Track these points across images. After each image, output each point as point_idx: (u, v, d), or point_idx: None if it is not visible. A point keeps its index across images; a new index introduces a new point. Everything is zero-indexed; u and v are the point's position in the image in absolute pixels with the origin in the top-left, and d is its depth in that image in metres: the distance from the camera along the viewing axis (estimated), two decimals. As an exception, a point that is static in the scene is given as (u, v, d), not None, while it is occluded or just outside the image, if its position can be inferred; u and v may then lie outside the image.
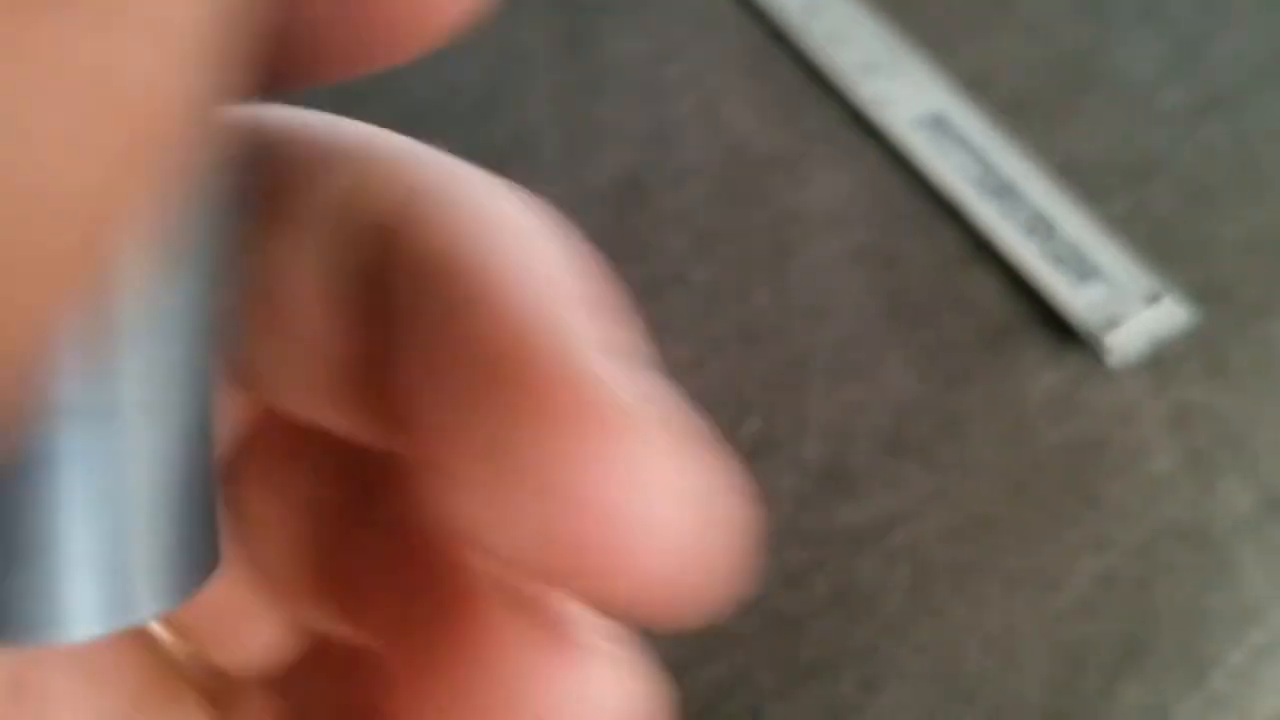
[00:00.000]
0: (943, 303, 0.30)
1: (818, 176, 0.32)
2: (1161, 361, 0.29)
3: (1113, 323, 0.29)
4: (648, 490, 0.08)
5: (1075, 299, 0.29)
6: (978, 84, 0.33)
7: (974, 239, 0.31)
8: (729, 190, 0.33)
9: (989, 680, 0.27)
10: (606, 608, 0.09)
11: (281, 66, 0.09)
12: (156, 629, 0.12)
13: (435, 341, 0.09)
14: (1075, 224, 0.30)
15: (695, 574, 0.08)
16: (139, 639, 0.12)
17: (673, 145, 0.34)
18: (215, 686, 0.12)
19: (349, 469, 0.11)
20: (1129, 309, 0.29)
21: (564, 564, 0.08)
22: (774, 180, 0.33)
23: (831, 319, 0.30)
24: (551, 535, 0.08)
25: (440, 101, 0.35)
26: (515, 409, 0.08)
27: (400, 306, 0.09)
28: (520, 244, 0.10)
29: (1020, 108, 0.33)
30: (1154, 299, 0.29)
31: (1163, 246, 0.30)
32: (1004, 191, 0.31)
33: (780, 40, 0.35)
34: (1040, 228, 0.30)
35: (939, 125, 0.33)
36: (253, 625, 0.12)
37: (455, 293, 0.09)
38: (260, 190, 0.10)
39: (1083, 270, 0.30)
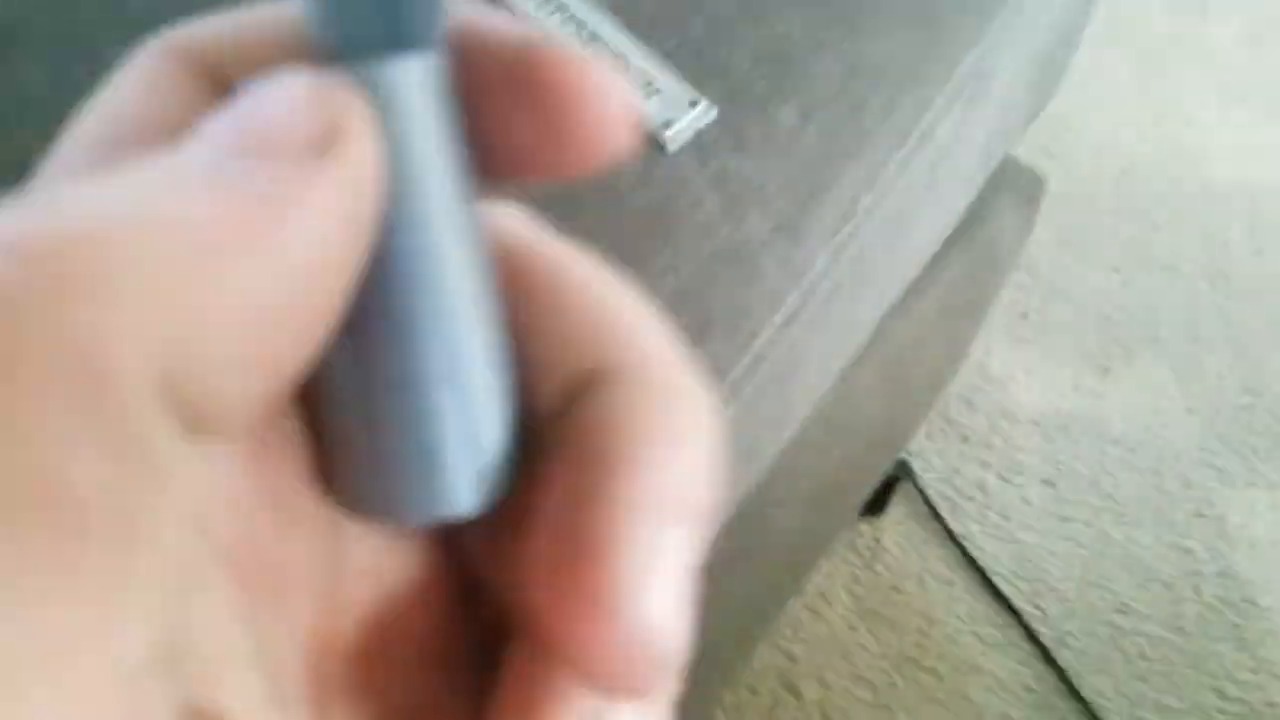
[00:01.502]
0: (558, 122, 0.44)
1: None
2: (702, 145, 0.44)
3: (668, 122, 0.43)
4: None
5: (644, 110, 0.43)
6: (565, -39, 0.46)
7: (574, 75, 0.44)
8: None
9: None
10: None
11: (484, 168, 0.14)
12: None
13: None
14: (639, 57, 0.44)
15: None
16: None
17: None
18: None
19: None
20: (678, 113, 0.43)
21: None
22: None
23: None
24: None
25: (156, 6, 0.45)
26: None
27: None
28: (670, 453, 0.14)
29: (597, -24, 0.46)
30: (694, 103, 0.43)
31: (698, 67, 0.44)
32: (593, 39, 0.44)
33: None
34: (619, 62, 0.44)
35: (558, 4, 0.45)
36: None
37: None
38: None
39: (648, 88, 0.43)
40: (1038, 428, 1.00)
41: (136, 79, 0.15)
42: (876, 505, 0.94)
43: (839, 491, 0.77)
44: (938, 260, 0.65)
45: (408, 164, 0.13)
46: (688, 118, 0.43)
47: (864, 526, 0.95)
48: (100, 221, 0.11)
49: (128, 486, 0.10)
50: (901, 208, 0.48)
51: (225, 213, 0.12)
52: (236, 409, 0.12)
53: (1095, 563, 0.95)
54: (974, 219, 0.68)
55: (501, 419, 0.14)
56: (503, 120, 0.14)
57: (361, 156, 0.13)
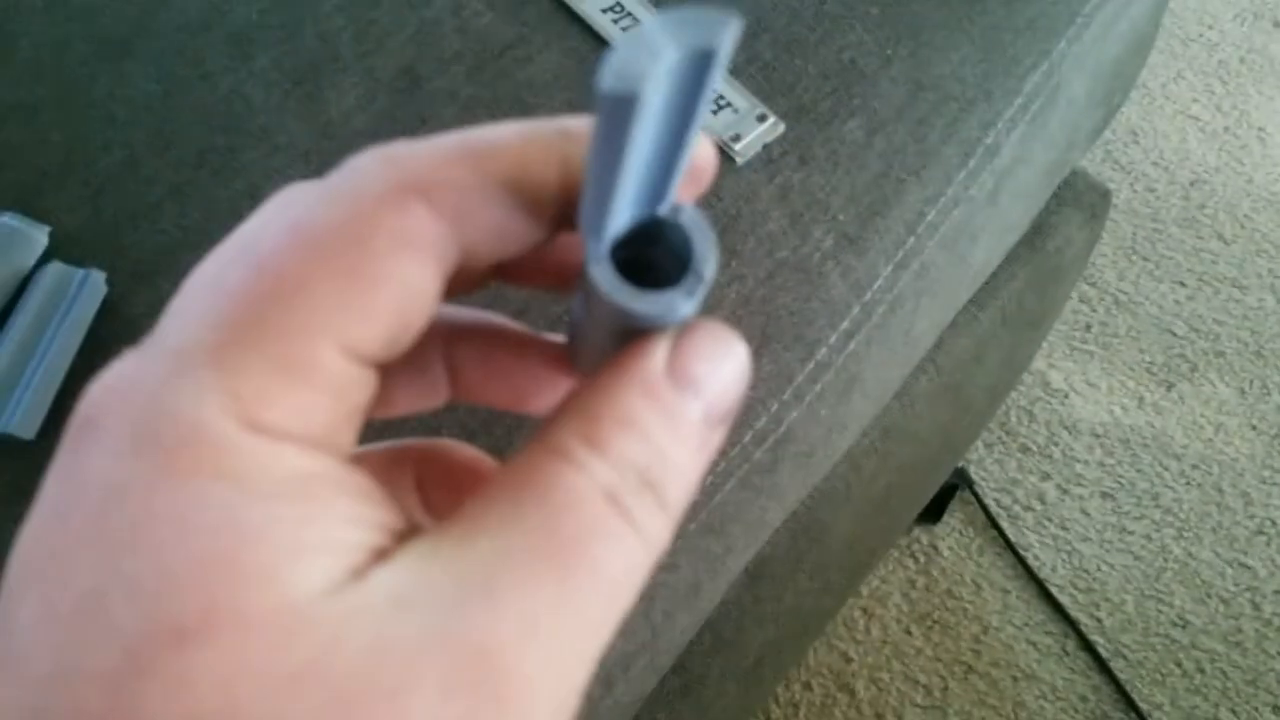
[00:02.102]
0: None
1: (538, 56, 0.46)
2: (770, 159, 0.45)
3: (737, 137, 0.44)
4: None
5: (713, 123, 0.45)
6: (642, -21, 0.48)
7: (648, 89, 0.46)
8: (479, 70, 0.47)
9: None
10: None
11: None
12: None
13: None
14: (711, 73, 0.46)
15: None
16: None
17: (435, 42, 0.47)
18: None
19: None
20: (747, 127, 0.45)
21: None
22: (509, 60, 0.47)
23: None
24: None
25: (259, 19, 0.47)
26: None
27: None
28: None
29: (672, -6, 0.47)
30: (762, 118, 0.45)
31: (766, 83, 0.46)
32: (665, 54, 0.46)
33: (502, -45, 0.48)
34: (690, 78, 0.46)
35: (619, 9, 0.47)
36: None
37: None
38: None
39: (718, 103, 0.45)
40: (1099, 440, 1.00)
41: (388, 231, 0.16)
42: (934, 512, 0.95)
43: (896, 498, 0.78)
44: (1001, 273, 0.66)
45: None
46: (756, 132, 0.44)
47: (921, 533, 0.96)
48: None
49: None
50: (964, 223, 0.49)
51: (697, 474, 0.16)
52: None
53: (1154, 576, 0.94)
54: (1039, 232, 0.69)
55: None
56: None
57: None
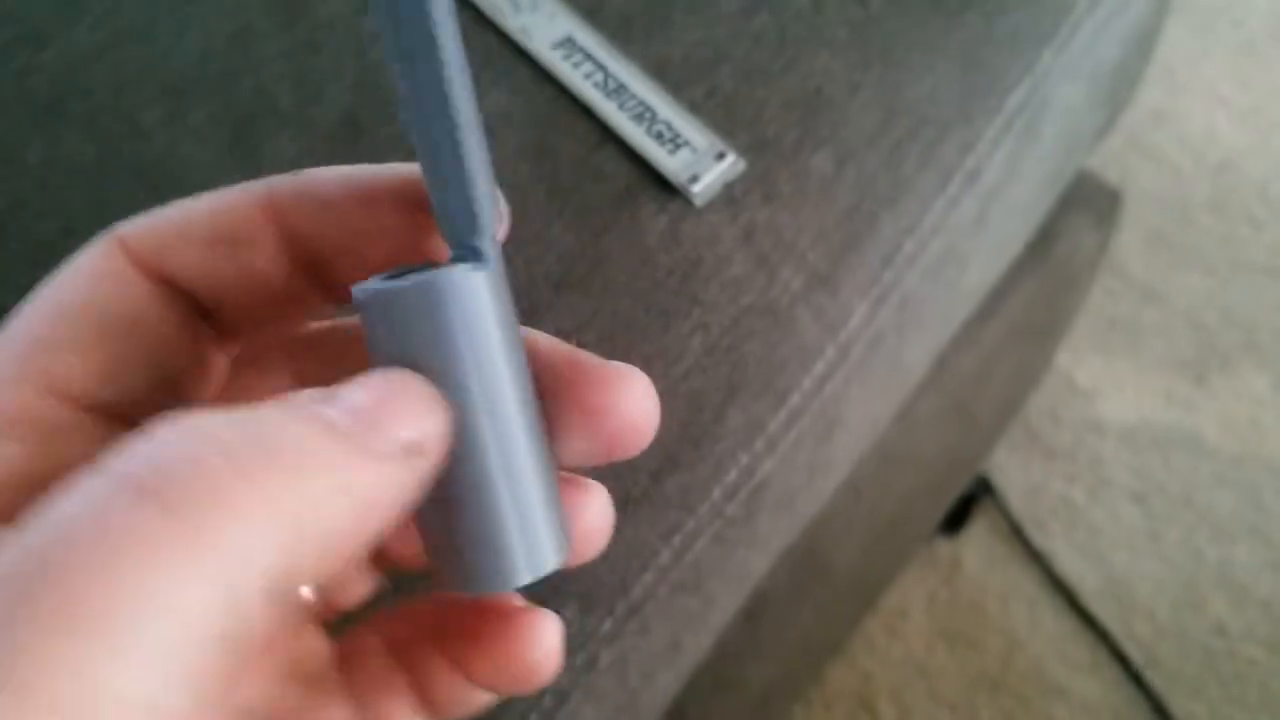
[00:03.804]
0: (585, 178, 0.43)
1: (486, 96, 0.44)
2: (732, 198, 0.42)
3: (695, 177, 0.42)
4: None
5: (670, 163, 0.42)
6: (593, 11, 0.45)
7: (601, 128, 0.43)
8: (426, 113, 0.44)
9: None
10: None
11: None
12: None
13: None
14: (666, 108, 0.43)
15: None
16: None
17: (379, 85, 0.45)
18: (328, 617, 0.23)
19: None
20: (705, 165, 0.42)
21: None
22: (458, 102, 0.44)
23: (509, 200, 0.42)
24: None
25: (193, 72, 0.45)
26: None
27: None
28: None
29: (625, 25, 0.45)
30: (721, 156, 0.42)
31: (727, 117, 0.43)
32: (619, 90, 0.44)
33: (448, -10, 0.46)
34: (645, 114, 0.43)
35: (570, 45, 0.44)
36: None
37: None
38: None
39: (675, 141, 0.43)
40: (1127, 441, 0.96)
41: (86, 271, 0.19)
42: (955, 523, 0.92)
43: (905, 522, 0.75)
44: (1005, 286, 0.63)
45: (481, 340, 0.18)
46: (715, 171, 0.42)
47: (942, 544, 0.93)
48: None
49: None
50: (948, 251, 0.46)
51: (327, 458, 0.15)
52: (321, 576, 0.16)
53: (1189, 582, 0.91)
54: (1044, 241, 0.65)
55: (549, 507, 0.20)
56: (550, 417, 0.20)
57: (430, 463, 0.17)
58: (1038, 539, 0.93)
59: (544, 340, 0.20)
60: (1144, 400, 0.98)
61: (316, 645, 0.22)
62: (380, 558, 0.24)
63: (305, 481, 0.15)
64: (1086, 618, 0.89)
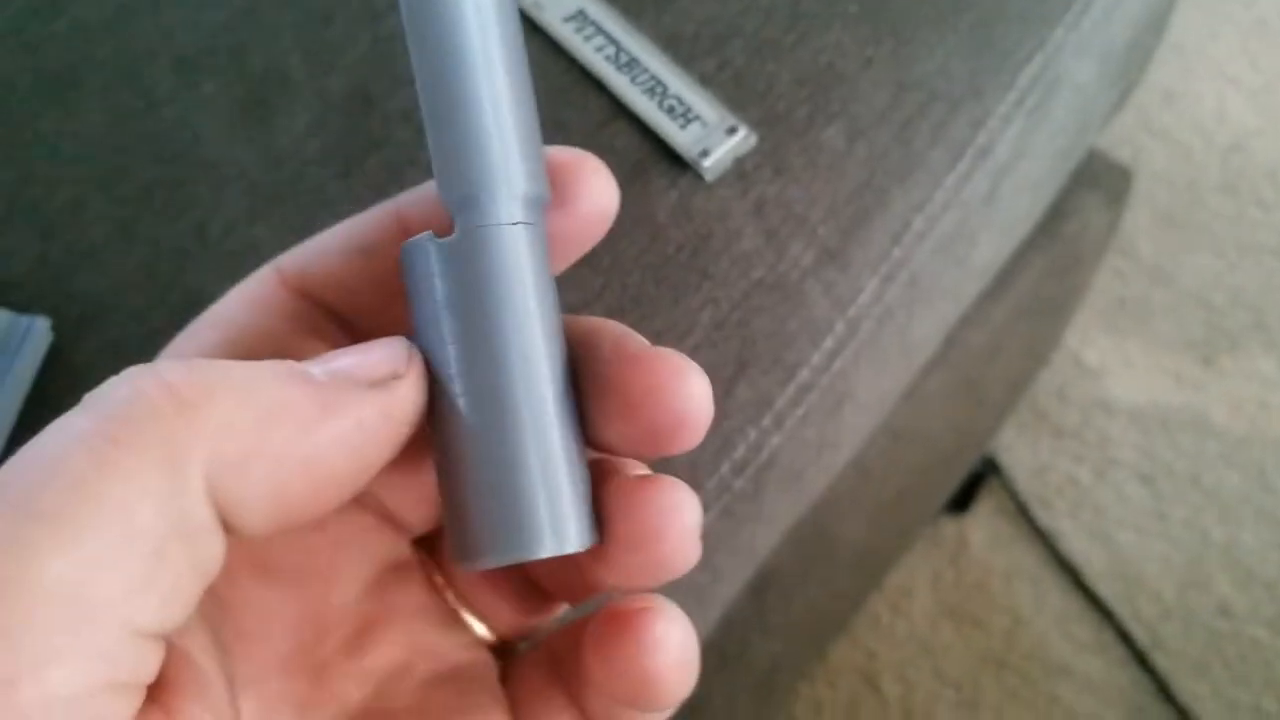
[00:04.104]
0: (596, 152, 0.43)
1: (497, 71, 0.44)
2: (743, 173, 0.42)
3: (706, 151, 0.42)
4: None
5: (681, 137, 0.42)
6: (604, -16, 0.45)
7: (612, 102, 0.43)
8: (437, 87, 0.44)
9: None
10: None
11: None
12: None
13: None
14: (678, 83, 0.43)
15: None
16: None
17: (390, 57, 0.45)
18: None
19: None
20: (716, 140, 0.42)
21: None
22: (468, 75, 0.44)
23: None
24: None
25: (205, 44, 0.45)
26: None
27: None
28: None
29: (636, -2, 0.45)
30: (732, 130, 0.42)
31: (738, 92, 0.43)
32: (630, 64, 0.43)
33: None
34: (656, 88, 0.43)
35: (582, 19, 0.44)
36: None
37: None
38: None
39: (686, 116, 0.43)
40: (1135, 421, 0.96)
41: (249, 295, 0.21)
42: (962, 502, 0.92)
43: (912, 499, 0.75)
44: (1014, 264, 0.63)
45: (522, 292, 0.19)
46: (726, 145, 0.42)
47: (948, 523, 0.93)
48: (223, 376, 0.17)
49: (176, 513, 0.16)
50: (958, 227, 0.46)
51: (305, 401, 0.17)
52: (252, 522, 0.17)
53: (1194, 563, 0.91)
54: (1055, 218, 0.65)
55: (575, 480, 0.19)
56: (592, 403, 0.20)
57: (403, 396, 0.18)
58: (1044, 518, 0.93)
59: (592, 320, 0.20)
60: (1152, 380, 0.98)
61: (472, 655, 0.23)
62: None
63: (248, 409, 0.17)
64: (1092, 597, 0.90)
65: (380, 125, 0.43)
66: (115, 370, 0.17)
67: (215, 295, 0.22)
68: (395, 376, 0.18)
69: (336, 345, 0.21)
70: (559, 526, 0.19)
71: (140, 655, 0.16)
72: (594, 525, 0.19)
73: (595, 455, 0.21)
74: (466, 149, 0.19)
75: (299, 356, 0.20)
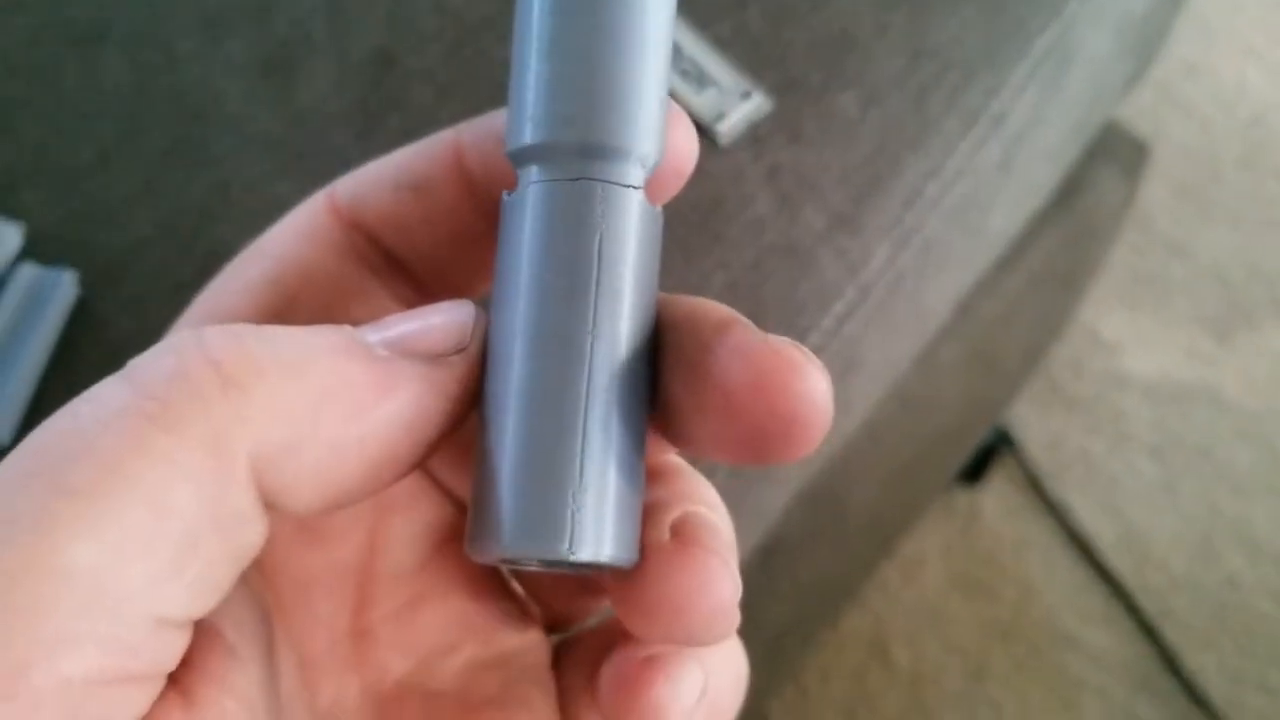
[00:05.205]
0: (612, 115, 0.43)
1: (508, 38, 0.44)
2: (757, 138, 0.43)
3: (721, 116, 0.42)
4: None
5: (696, 101, 0.43)
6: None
7: (629, 66, 0.44)
8: (457, 49, 0.45)
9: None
10: None
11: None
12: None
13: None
14: (693, 47, 0.43)
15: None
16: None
17: (412, 17, 0.45)
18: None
19: None
20: (731, 104, 0.42)
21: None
22: (488, 38, 0.45)
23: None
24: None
25: (229, 2, 0.46)
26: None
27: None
28: None
29: (654, -37, 0.45)
30: (747, 95, 0.43)
31: (754, 57, 0.44)
32: (647, 28, 0.44)
33: (479, -74, 0.46)
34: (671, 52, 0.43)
35: (599, -18, 0.45)
36: None
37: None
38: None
39: (701, 80, 0.43)
40: (1148, 395, 0.96)
41: (300, 225, 0.20)
42: (974, 473, 0.93)
43: (923, 468, 0.76)
44: (1029, 235, 0.63)
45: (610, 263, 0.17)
46: (741, 110, 0.42)
47: (960, 493, 0.94)
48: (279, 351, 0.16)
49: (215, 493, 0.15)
50: (972, 194, 0.47)
51: (362, 380, 0.16)
52: (299, 505, 0.16)
53: (1204, 536, 0.91)
54: (1070, 190, 0.65)
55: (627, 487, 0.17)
56: (680, 396, 0.17)
57: (466, 373, 0.17)
58: (1056, 490, 0.93)
59: (693, 301, 0.18)
60: (1167, 355, 0.98)
61: (523, 639, 0.21)
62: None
63: (300, 391, 0.15)
64: (1101, 569, 0.90)
65: (401, 85, 0.44)
66: (139, 324, 0.17)
67: (237, 252, 0.22)
68: (459, 348, 0.17)
69: (390, 282, 0.20)
70: (598, 531, 0.16)
71: (162, 644, 0.15)
72: (637, 542, 0.17)
73: (675, 459, 0.19)
74: (624, 97, 0.17)
75: (351, 292, 0.19)
